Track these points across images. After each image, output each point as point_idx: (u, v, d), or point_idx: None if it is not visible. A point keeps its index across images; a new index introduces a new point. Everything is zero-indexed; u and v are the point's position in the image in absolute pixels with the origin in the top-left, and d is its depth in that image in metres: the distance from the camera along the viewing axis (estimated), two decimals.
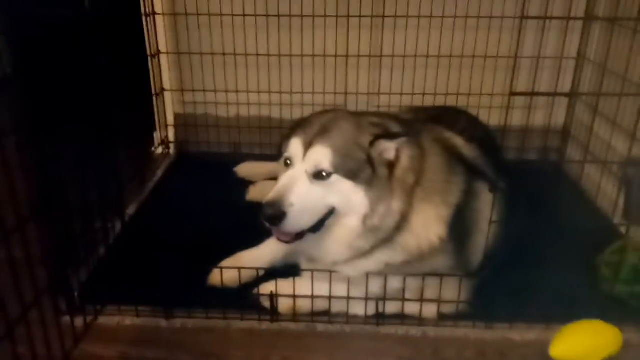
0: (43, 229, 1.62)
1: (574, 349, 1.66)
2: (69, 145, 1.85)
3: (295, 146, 1.67)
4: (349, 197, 1.64)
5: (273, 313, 1.82)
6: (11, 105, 1.57)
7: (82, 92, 1.92)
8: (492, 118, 2.62)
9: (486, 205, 1.80)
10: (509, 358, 1.72)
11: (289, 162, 1.69)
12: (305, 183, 1.63)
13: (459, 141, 1.95)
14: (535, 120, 2.95)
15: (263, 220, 1.60)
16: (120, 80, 2.22)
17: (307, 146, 1.64)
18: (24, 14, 1.65)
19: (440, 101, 2.85)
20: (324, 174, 1.62)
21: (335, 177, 1.62)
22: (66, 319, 1.75)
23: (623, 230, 2.17)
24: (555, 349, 1.67)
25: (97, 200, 2.04)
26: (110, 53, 2.08)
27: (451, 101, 2.84)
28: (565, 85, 2.88)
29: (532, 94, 2.83)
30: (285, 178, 1.66)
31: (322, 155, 1.62)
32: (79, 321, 1.77)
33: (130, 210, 2.45)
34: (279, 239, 1.69)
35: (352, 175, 1.63)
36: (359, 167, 1.63)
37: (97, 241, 2.10)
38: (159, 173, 2.85)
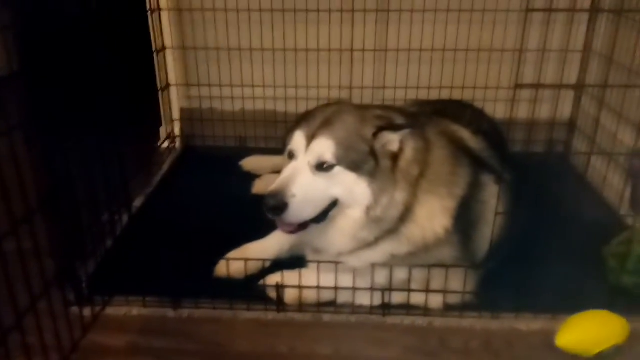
0: (51, 221, 1.63)
1: (581, 338, 1.67)
2: (76, 139, 1.87)
3: (298, 138, 1.68)
4: (351, 188, 1.64)
5: (279, 303, 1.84)
6: (19, 100, 1.58)
7: (89, 87, 1.94)
8: (497, 111, 2.61)
9: (492, 197, 1.80)
10: (515, 348, 1.72)
11: (292, 154, 1.70)
12: (308, 174, 1.64)
13: (465, 134, 1.95)
14: (541, 113, 2.93)
15: (265, 211, 1.61)
16: (126, 76, 2.23)
17: (310, 138, 1.65)
18: (32, 10, 1.66)
19: (445, 95, 2.85)
20: (327, 165, 1.63)
21: (338, 169, 1.63)
22: (74, 309, 1.78)
23: (629, 221, 2.17)
24: (561, 339, 1.67)
25: (104, 193, 2.06)
26: (116, 48, 2.10)
27: (457, 94, 2.84)
28: (572, 78, 2.87)
29: (538, 86, 2.82)
30: (288, 170, 1.67)
31: (324, 147, 1.63)
32: (87, 312, 1.80)
33: (137, 202, 2.47)
34: (282, 230, 1.70)
35: (355, 166, 1.63)
36: (362, 159, 1.64)
37: (105, 233, 2.12)
38: (165, 167, 2.87)
